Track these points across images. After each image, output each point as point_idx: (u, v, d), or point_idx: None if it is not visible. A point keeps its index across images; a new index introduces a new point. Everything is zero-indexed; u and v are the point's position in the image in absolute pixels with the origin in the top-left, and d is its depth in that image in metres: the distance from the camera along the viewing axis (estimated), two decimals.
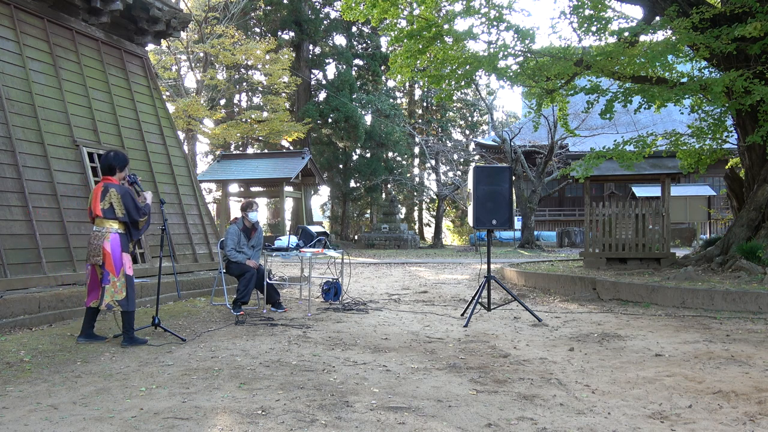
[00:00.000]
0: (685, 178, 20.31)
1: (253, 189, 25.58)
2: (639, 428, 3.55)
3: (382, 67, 34.90)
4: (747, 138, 10.05)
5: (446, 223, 48.36)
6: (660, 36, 11.09)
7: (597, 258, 11.95)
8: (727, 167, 12.73)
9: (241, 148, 37.51)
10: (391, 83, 40.74)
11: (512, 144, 27.69)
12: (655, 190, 22.56)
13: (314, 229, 9.67)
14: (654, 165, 12.72)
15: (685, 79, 10.46)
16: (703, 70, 11.93)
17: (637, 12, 57.91)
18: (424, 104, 45.97)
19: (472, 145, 42.43)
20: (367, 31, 36.69)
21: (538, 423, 3.65)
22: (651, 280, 9.40)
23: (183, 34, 24.25)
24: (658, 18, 10.72)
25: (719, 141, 11.69)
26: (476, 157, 37.45)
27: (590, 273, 10.74)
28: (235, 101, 38.77)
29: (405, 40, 11.38)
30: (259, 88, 35.66)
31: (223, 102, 34.90)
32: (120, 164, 6.12)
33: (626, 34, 9.98)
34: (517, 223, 28.18)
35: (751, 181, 10.58)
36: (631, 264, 11.69)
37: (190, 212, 10.84)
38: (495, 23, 10.52)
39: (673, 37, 9.87)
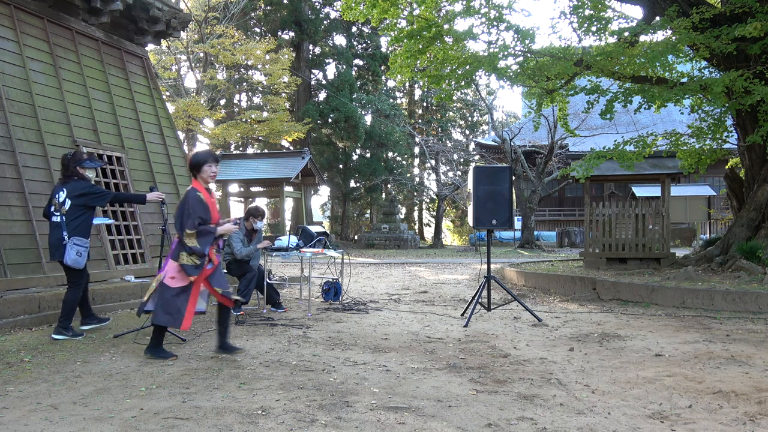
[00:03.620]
0: (685, 178, 20.32)
1: (253, 189, 25.59)
2: (639, 428, 3.55)
3: (382, 67, 34.90)
4: (747, 138, 10.05)
5: (446, 223, 48.37)
6: (660, 36, 11.09)
7: (597, 258, 11.94)
8: (727, 167, 12.72)
9: (241, 148, 37.51)
10: (391, 83, 40.77)
11: (512, 144, 27.70)
12: (655, 190, 22.55)
13: (314, 229, 9.67)
14: (654, 165, 12.71)
15: (685, 79, 10.45)
16: (703, 70, 11.92)
17: (637, 12, 57.85)
18: (424, 104, 45.97)
19: (472, 145, 42.44)
20: (367, 31, 36.69)
21: (538, 423, 3.65)
22: (651, 280, 9.40)
23: (183, 34, 24.24)
24: (658, 18, 10.71)
25: (719, 141, 11.68)
26: (476, 157, 37.44)
27: (590, 273, 10.74)
28: (235, 101, 38.79)
29: (405, 40, 11.37)
30: (259, 88, 35.67)
31: (223, 102, 34.91)
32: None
33: (626, 34, 9.98)
34: (517, 223, 28.18)
35: (751, 181, 10.58)
36: (631, 264, 11.69)
37: None
38: (495, 23, 10.51)
39: (673, 37, 9.86)
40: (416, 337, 6.48)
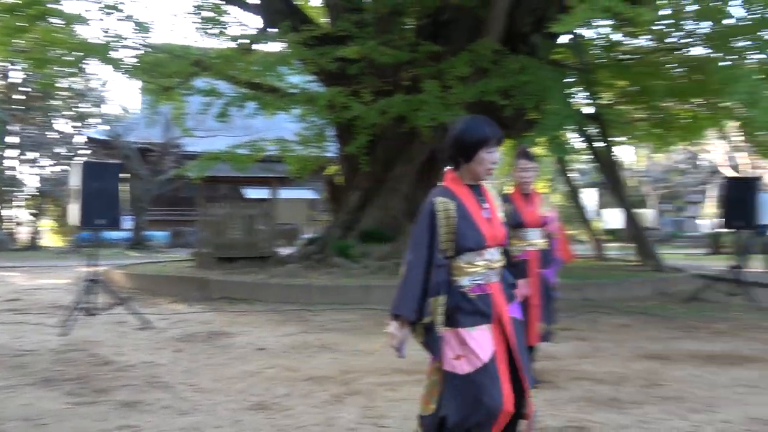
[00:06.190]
0: (292, 181, 21.89)
1: None
2: (240, 420, 3.69)
3: None
4: (345, 148, 11.19)
5: (48, 223, 43.84)
6: (278, 47, 11.70)
7: (208, 258, 12.02)
8: (326, 173, 14.03)
9: None
10: None
11: (126, 140, 26.44)
12: (265, 192, 23.80)
13: None
14: (265, 169, 13.40)
15: (295, 91, 11.19)
16: (310, 84, 12.96)
17: (258, 21, 60.28)
18: (27, 89, 40.87)
19: (81, 138, 39.22)
20: None
21: (142, 429, 3.53)
22: (257, 277, 9.85)
23: None
24: (276, 30, 11.30)
25: (322, 149, 12.85)
26: (86, 152, 34.74)
27: (200, 273, 10.79)
28: None
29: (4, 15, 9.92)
30: None
31: None
32: None
33: (245, 41, 10.30)
34: (129, 223, 26.94)
35: (347, 187, 11.84)
36: (240, 263, 12.01)
37: None
38: (110, 11, 9.85)
39: (287, 50, 10.51)
40: (4, 350, 5.71)
